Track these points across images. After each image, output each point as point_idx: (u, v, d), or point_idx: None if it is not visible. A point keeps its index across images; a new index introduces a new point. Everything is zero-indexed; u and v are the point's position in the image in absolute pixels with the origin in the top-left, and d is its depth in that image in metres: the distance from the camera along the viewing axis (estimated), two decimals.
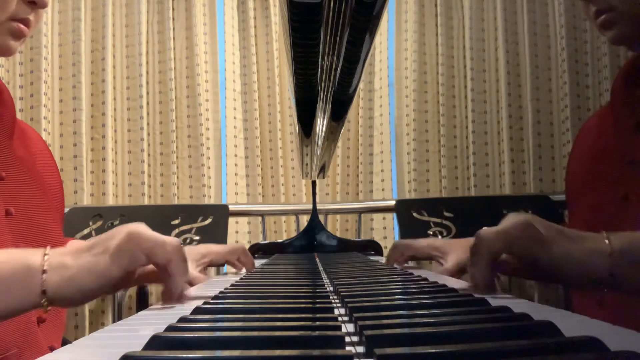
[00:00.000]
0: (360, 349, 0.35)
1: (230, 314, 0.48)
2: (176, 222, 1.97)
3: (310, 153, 1.26)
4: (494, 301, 0.48)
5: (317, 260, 1.20)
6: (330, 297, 0.57)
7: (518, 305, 0.50)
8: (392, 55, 2.74)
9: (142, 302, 2.05)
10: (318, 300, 0.55)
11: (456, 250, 1.00)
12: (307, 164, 1.41)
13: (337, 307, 0.51)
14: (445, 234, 1.92)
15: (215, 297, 0.55)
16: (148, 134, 2.55)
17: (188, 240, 1.92)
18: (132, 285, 0.61)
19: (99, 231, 1.90)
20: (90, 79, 2.51)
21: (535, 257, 0.61)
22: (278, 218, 2.64)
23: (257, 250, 1.62)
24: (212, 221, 1.98)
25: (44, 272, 0.56)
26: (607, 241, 0.60)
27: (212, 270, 1.95)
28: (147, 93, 2.57)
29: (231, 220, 2.36)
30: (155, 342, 0.35)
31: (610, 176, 0.86)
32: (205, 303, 0.51)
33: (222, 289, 0.62)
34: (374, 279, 0.75)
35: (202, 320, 0.44)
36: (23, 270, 0.57)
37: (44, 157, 0.92)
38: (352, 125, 2.73)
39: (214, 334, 0.36)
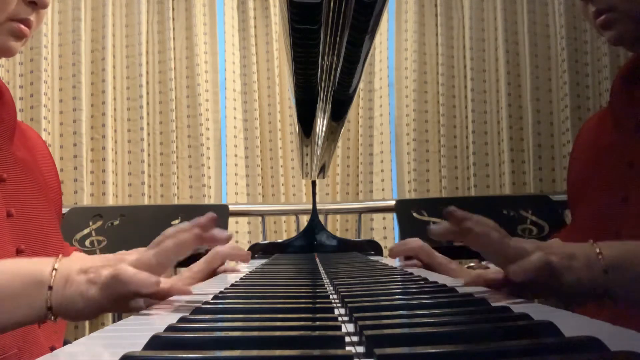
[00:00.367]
0: (360, 349, 0.35)
1: (230, 314, 0.48)
2: (176, 222, 1.97)
3: (310, 153, 1.26)
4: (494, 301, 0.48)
5: (317, 260, 1.20)
6: (330, 297, 0.57)
7: (518, 305, 0.50)
8: (392, 55, 2.74)
9: None
10: (318, 300, 0.54)
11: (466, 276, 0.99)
12: (307, 164, 1.41)
13: (337, 307, 0.51)
14: None
15: (215, 297, 0.55)
16: (148, 134, 2.55)
17: None
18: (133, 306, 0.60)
19: (99, 231, 1.90)
20: (90, 79, 2.51)
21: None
22: (278, 218, 2.64)
23: (257, 250, 1.62)
24: None
25: (50, 288, 0.56)
26: (600, 257, 0.59)
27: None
28: (147, 93, 2.57)
29: (231, 220, 2.36)
30: (155, 342, 0.35)
31: (610, 177, 0.86)
32: (205, 303, 0.51)
33: (222, 289, 0.62)
34: (374, 279, 0.75)
35: (202, 320, 0.44)
36: (31, 285, 0.56)
37: (44, 158, 0.92)
38: (352, 125, 2.73)
39: (214, 334, 0.36)
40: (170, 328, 0.39)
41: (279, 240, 1.71)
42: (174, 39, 2.61)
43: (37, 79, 2.35)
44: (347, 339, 0.37)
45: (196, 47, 2.60)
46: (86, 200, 2.40)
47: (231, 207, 2.16)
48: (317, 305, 0.51)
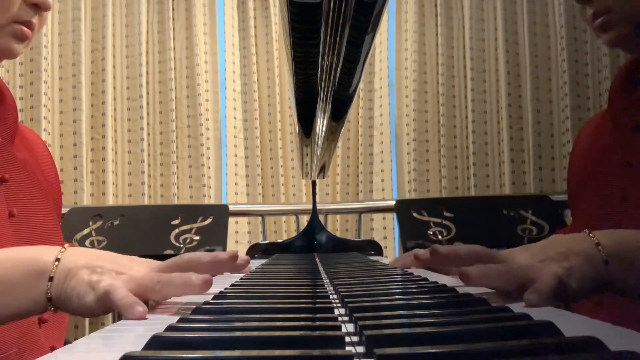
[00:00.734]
0: (360, 349, 0.35)
1: (230, 314, 0.48)
2: (176, 222, 1.97)
3: (310, 153, 1.26)
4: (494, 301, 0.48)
5: (317, 260, 1.20)
6: (330, 297, 0.57)
7: (518, 305, 0.50)
8: (392, 55, 2.74)
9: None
10: (318, 300, 0.54)
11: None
12: (307, 164, 1.41)
13: (337, 307, 0.51)
14: (445, 234, 1.92)
15: (215, 297, 0.55)
16: (148, 134, 2.55)
17: (188, 241, 1.92)
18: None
19: (99, 231, 1.90)
20: (90, 79, 2.51)
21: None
22: (278, 218, 2.64)
23: (257, 250, 1.62)
24: (212, 221, 1.98)
25: (50, 279, 0.56)
26: (599, 247, 0.59)
27: None
28: (147, 93, 2.57)
29: (231, 220, 2.36)
30: (155, 342, 0.35)
31: (609, 177, 0.87)
32: (205, 303, 0.51)
33: (222, 289, 0.62)
34: (374, 279, 0.75)
35: (202, 320, 0.44)
36: (32, 275, 0.56)
37: (44, 159, 0.92)
38: (352, 125, 2.73)
39: (214, 334, 0.36)
40: (170, 328, 0.39)
41: (279, 240, 1.71)
42: (174, 39, 2.61)
43: (37, 79, 2.35)
44: (347, 339, 0.37)
45: (196, 47, 2.60)
46: (86, 200, 2.40)
47: (231, 207, 2.16)
48: (317, 305, 0.51)
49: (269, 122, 2.71)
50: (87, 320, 2.31)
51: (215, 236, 1.94)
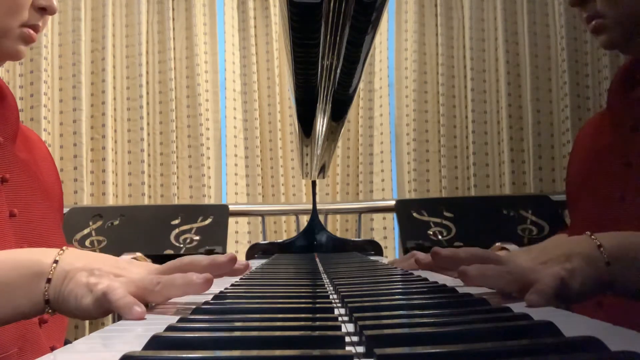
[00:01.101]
0: (360, 349, 0.35)
1: (230, 314, 0.48)
2: (176, 222, 1.97)
3: (310, 153, 1.26)
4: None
5: (317, 260, 1.20)
6: (330, 297, 0.57)
7: (518, 305, 0.50)
8: (392, 55, 2.74)
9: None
10: (318, 300, 0.54)
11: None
12: (307, 164, 1.41)
13: (337, 307, 0.51)
14: (445, 234, 1.92)
15: (215, 297, 0.55)
16: (148, 134, 2.55)
17: (188, 241, 1.92)
18: None
19: (99, 231, 1.90)
20: (90, 79, 2.51)
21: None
22: (278, 218, 2.64)
23: (257, 250, 1.62)
24: (212, 221, 1.98)
25: (48, 280, 0.56)
26: (601, 249, 0.59)
27: None
28: (147, 93, 2.57)
29: (231, 220, 2.36)
30: (155, 342, 0.35)
31: (608, 177, 0.87)
32: (205, 303, 0.51)
33: (222, 289, 0.62)
34: (374, 279, 0.75)
35: (202, 320, 0.44)
36: (30, 276, 0.56)
37: (45, 159, 0.92)
38: (352, 125, 2.73)
39: (214, 334, 0.36)
40: (170, 328, 0.39)
41: (279, 240, 1.71)
42: (174, 39, 2.61)
43: (37, 79, 2.35)
44: (347, 339, 0.37)
45: (196, 47, 2.60)
46: (86, 200, 2.40)
47: (231, 207, 2.16)
48: (317, 305, 0.51)
49: (269, 122, 2.71)
50: (87, 320, 2.31)
51: (215, 236, 1.93)
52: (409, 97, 2.70)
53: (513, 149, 2.60)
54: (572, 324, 0.39)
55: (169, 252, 1.84)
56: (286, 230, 2.66)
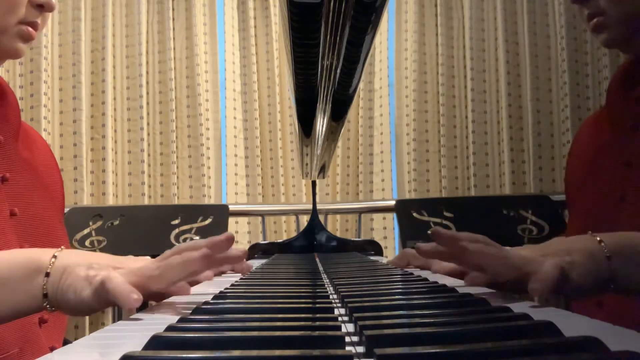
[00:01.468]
0: (360, 349, 0.35)
1: (230, 314, 0.48)
2: (176, 222, 1.97)
3: (310, 153, 1.26)
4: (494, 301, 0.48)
5: (317, 260, 1.20)
6: (330, 297, 0.57)
7: (518, 305, 0.50)
8: (392, 55, 2.74)
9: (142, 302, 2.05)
10: (318, 300, 0.54)
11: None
12: (307, 164, 1.41)
13: (337, 307, 0.51)
14: None
15: (215, 297, 0.55)
16: (148, 134, 2.55)
17: (188, 241, 1.92)
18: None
19: (99, 231, 1.90)
20: (90, 79, 2.51)
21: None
22: (278, 218, 2.64)
23: (257, 250, 1.62)
24: (212, 221, 1.98)
25: (47, 274, 0.56)
26: (602, 244, 0.59)
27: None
28: (147, 93, 2.57)
29: (231, 220, 2.36)
30: (155, 342, 0.35)
31: (607, 177, 0.87)
32: (205, 303, 0.51)
33: (222, 289, 0.62)
34: (374, 279, 0.75)
35: (202, 320, 0.44)
36: (29, 271, 0.56)
37: (46, 158, 0.92)
38: (352, 125, 2.73)
39: (214, 334, 0.36)
40: (170, 328, 0.39)
41: (279, 240, 1.71)
42: (174, 39, 2.61)
43: (37, 79, 2.35)
44: (347, 339, 0.37)
45: (196, 47, 2.60)
46: (86, 200, 2.40)
47: (231, 207, 2.16)
48: (317, 305, 0.51)
49: (269, 122, 2.71)
50: (87, 320, 2.31)
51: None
52: (409, 97, 2.70)
53: (513, 149, 2.60)
54: (572, 324, 0.39)
55: None
56: (286, 230, 2.66)
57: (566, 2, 2.56)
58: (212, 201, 2.57)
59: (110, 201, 2.45)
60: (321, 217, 1.73)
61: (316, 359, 0.31)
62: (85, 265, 0.56)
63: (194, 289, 0.73)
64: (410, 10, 2.71)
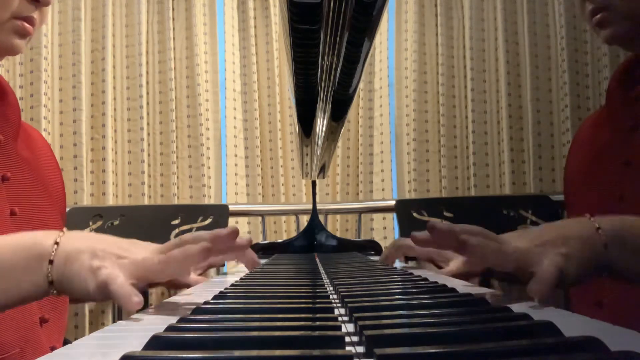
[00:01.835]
0: (360, 349, 0.35)
1: (230, 314, 0.48)
2: (176, 222, 1.97)
3: (310, 153, 1.26)
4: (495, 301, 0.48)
5: (317, 260, 1.20)
6: (330, 297, 0.57)
7: (518, 305, 0.50)
8: (392, 55, 2.74)
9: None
10: (318, 300, 0.54)
11: (458, 257, 1.00)
12: (307, 164, 1.41)
13: (337, 307, 0.51)
14: None
15: (215, 297, 0.55)
16: (148, 134, 2.55)
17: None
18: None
19: (99, 231, 1.90)
20: (90, 79, 2.51)
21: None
22: (278, 218, 2.64)
23: (257, 250, 1.62)
24: (212, 221, 1.98)
25: (51, 262, 0.56)
26: (599, 231, 0.59)
27: (212, 270, 1.95)
28: (147, 93, 2.57)
29: (231, 220, 2.36)
30: (155, 342, 0.35)
31: (607, 177, 0.87)
32: (205, 303, 0.51)
33: (222, 289, 0.62)
34: (374, 279, 0.75)
35: (202, 320, 0.44)
36: (32, 259, 0.56)
37: (47, 158, 0.92)
38: (352, 125, 2.73)
39: (214, 334, 0.36)
40: (170, 328, 0.39)
41: (279, 240, 1.71)
42: (174, 39, 2.61)
43: (37, 79, 2.35)
44: (347, 339, 0.37)
45: (196, 47, 2.60)
46: (86, 200, 2.40)
47: (231, 207, 2.16)
48: (317, 305, 0.51)
49: (269, 122, 2.71)
50: (87, 320, 2.31)
51: None
52: (409, 97, 2.70)
53: (513, 149, 2.60)
54: (572, 324, 0.39)
55: None
56: (286, 230, 2.66)
57: (566, 2, 2.56)
58: (212, 201, 2.57)
59: (110, 201, 2.45)
60: (321, 217, 1.73)
61: (316, 359, 0.31)
62: (90, 253, 0.56)
63: (194, 289, 0.73)
64: (410, 10, 2.71)
